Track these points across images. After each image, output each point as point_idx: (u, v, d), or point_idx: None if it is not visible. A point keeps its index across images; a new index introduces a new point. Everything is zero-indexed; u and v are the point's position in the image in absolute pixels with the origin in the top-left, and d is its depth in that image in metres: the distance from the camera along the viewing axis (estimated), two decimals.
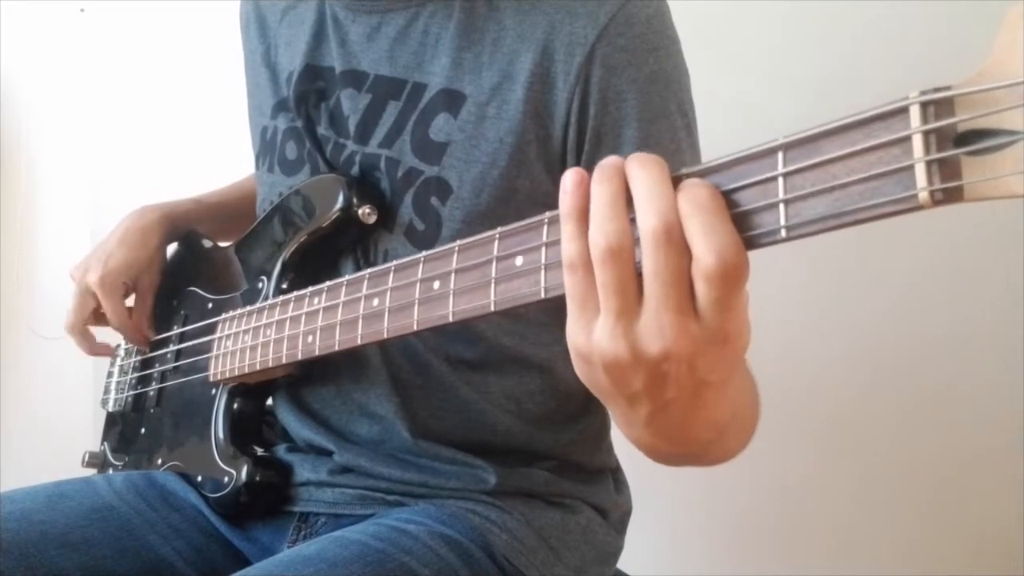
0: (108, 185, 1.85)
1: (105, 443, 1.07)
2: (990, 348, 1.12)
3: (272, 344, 0.77)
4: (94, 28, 1.87)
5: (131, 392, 1.04)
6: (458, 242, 0.56)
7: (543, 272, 0.50)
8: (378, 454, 0.79)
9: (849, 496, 1.23)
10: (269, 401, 0.89)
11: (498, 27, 0.74)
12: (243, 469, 0.81)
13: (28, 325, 1.85)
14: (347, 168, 0.81)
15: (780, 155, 0.41)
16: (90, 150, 1.89)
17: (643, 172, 0.44)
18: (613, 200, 0.44)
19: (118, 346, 1.09)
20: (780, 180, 0.41)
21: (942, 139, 0.36)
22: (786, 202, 0.40)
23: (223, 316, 0.87)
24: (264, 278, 0.85)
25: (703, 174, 0.44)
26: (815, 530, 1.26)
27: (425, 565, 0.69)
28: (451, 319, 0.56)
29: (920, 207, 0.36)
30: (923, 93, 0.36)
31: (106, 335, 1.04)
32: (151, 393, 1.00)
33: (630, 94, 0.71)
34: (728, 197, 0.43)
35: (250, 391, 0.86)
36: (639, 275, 0.44)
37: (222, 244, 1.02)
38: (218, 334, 0.87)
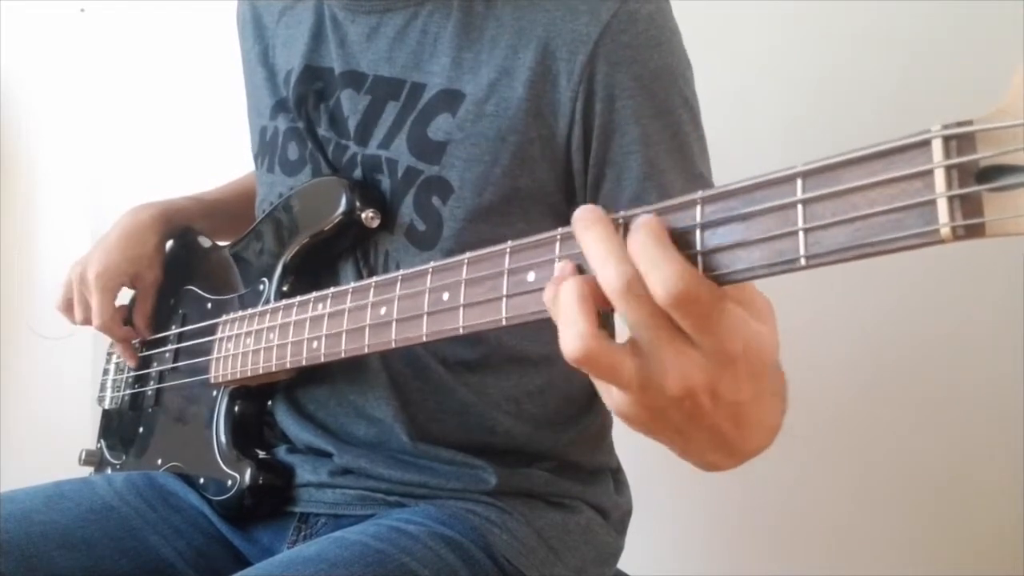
0: (108, 185, 1.85)
1: (102, 441, 1.07)
2: (990, 349, 1.12)
3: (275, 349, 0.77)
4: (94, 28, 1.87)
5: (128, 390, 1.04)
6: (468, 254, 0.55)
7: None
8: (378, 455, 0.79)
9: (849, 496, 1.23)
10: (269, 403, 0.89)
11: (497, 25, 0.74)
12: (246, 472, 0.81)
13: (28, 325, 1.85)
14: (349, 169, 0.81)
15: (799, 182, 0.41)
16: (90, 150, 1.89)
17: (586, 236, 0.45)
18: (567, 299, 0.44)
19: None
20: (799, 207, 0.40)
21: (964, 174, 0.36)
22: (806, 231, 0.40)
23: (223, 318, 0.87)
24: (265, 280, 0.85)
25: (719, 198, 0.43)
26: (815, 530, 1.26)
27: (425, 565, 0.69)
28: (461, 332, 0.55)
29: (941, 241, 0.36)
30: (945, 127, 0.36)
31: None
32: (149, 392, 0.99)
33: (635, 90, 0.71)
34: (744, 222, 0.42)
35: (251, 393, 0.86)
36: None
37: (221, 243, 1.02)
38: (219, 336, 0.86)
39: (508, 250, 0.53)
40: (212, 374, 0.86)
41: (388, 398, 0.79)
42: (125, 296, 1.04)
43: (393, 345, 0.62)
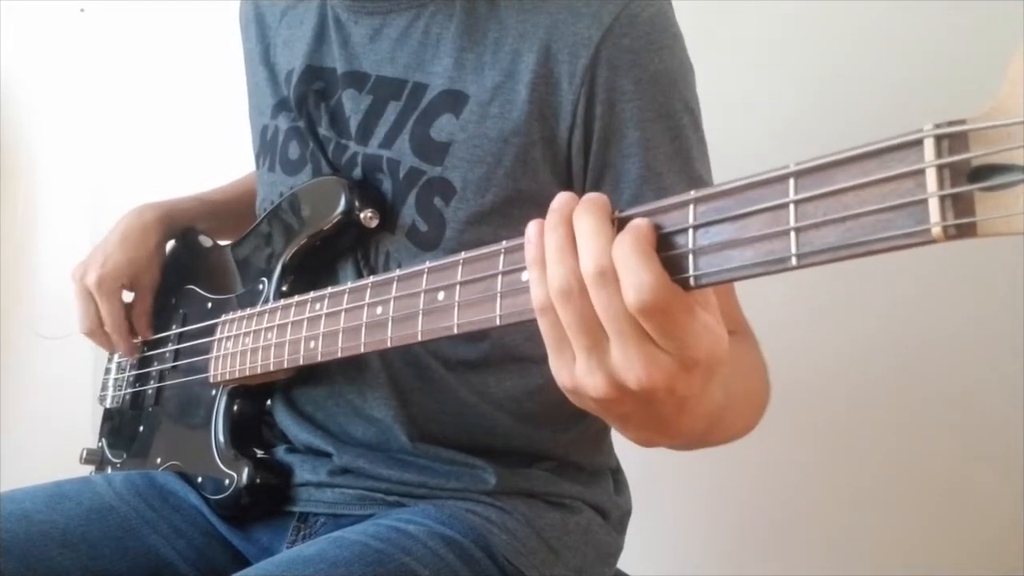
0: (108, 185, 1.85)
1: (103, 440, 1.07)
2: (990, 349, 1.12)
3: (273, 348, 0.77)
4: (94, 28, 1.87)
5: (129, 390, 1.04)
6: (463, 254, 0.56)
7: None
8: (377, 455, 0.79)
9: (849, 496, 1.23)
10: (268, 402, 0.89)
11: (499, 27, 0.74)
12: (244, 472, 0.81)
13: (28, 325, 1.85)
14: (349, 169, 0.81)
15: (791, 182, 0.41)
16: (90, 150, 1.89)
17: (580, 220, 0.47)
18: (559, 245, 0.47)
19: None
20: (791, 207, 0.41)
21: (956, 174, 0.36)
22: (797, 230, 0.40)
23: (223, 317, 0.87)
24: (264, 279, 0.85)
25: (712, 198, 0.44)
26: (815, 530, 1.26)
27: (425, 565, 0.69)
28: (456, 331, 0.56)
29: (933, 241, 0.36)
30: (937, 126, 0.36)
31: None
32: (149, 392, 1.00)
33: (636, 94, 0.71)
34: (737, 222, 0.43)
35: (250, 393, 0.86)
36: None
37: (221, 243, 1.02)
38: (218, 335, 0.86)
39: (503, 250, 0.53)
40: (211, 373, 0.86)
41: (388, 398, 0.79)
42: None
43: (389, 344, 0.62)
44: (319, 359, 0.71)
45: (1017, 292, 1.06)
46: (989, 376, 1.12)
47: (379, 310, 0.64)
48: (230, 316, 0.86)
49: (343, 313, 0.68)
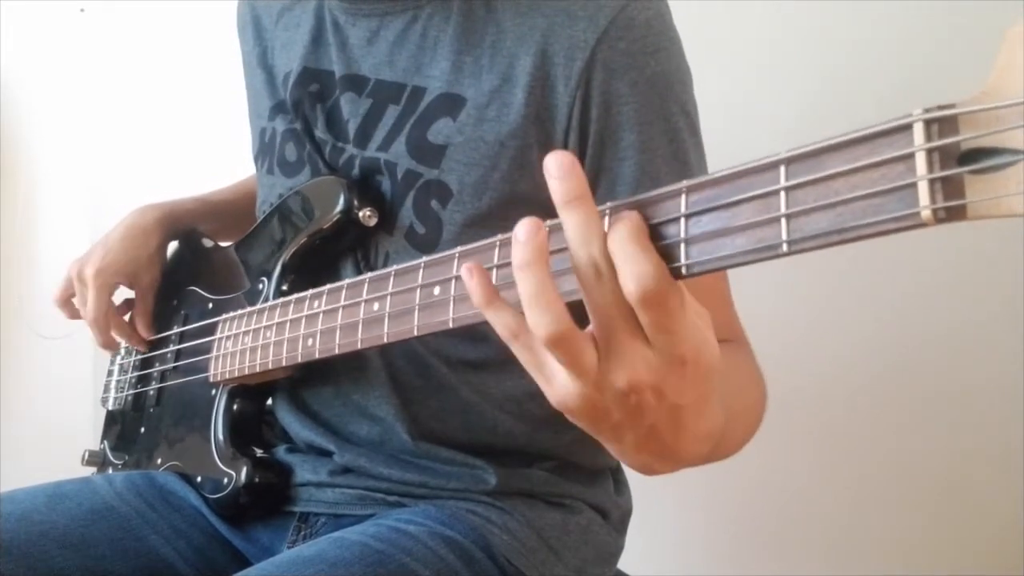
0: (108, 185, 1.85)
1: (105, 441, 1.08)
2: (990, 349, 1.12)
3: (272, 346, 0.77)
4: (94, 28, 1.87)
5: (131, 391, 1.04)
6: (458, 248, 0.56)
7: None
8: (378, 455, 0.79)
9: (849, 496, 1.23)
10: (269, 402, 0.89)
11: (497, 30, 0.74)
12: (243, 471, 0.81)
13: (28, 325, 1.85)
14: (347, 171, 0.81)
15: (782, 169, 0.41)
16: (90, 150, 1.89)
17: (569, 215, 0.45)
18: (522, 261, 0.45)
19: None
20: (782, 194, 0.41)
21: (946, 157, 0.36)
22: (788, 216, 0.40)
23: (223, 317, 0.87)
24: (264, 279, 0.85)
25: (704, 187, 0.44)
26: (815, 530, 1.26)
27: (425, 566, 0.69)
28: (451, 325, 0.56)
29: (923, 225, 0.36)
30: (927, 111, 0.36)
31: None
32: (151, 392, 1.00)
33: (631, 97, 0.71)
34: (728, 210, 0.43)
35: (250, 392, 0.86)
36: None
37: (223, 244, 1.02)
38: (218, 335, 0.87)
39: (498, 244, 0.53)
40: (211, 372, 0.86)
41: (389, 397, 0.79)
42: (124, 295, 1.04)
43: (385, 340, 0.62)
44: (317, 356, 0.71)
45: (1017, 291, 1.06)
46: (988, 376, 1.12)
47: (376, 306, 0.64)
48: (230, 315, 0.86)
49: (340, 310, 0.68)
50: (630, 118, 0.71)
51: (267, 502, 0.82)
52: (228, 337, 0.85)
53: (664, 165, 0.72)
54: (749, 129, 1.19)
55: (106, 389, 1.09)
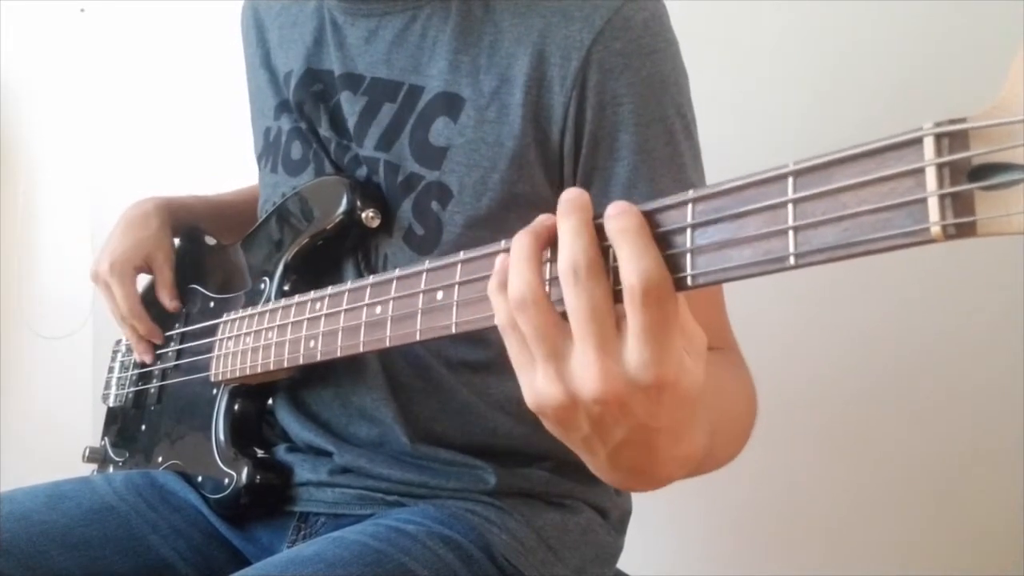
0: (108, 185, 1.85)
1: (105, 439, 1.08)
2: (990, 349, 1.12)
3: (274, 347, 0.77)
4: (94, 28, 1.87)
5: (132, 388, 1.04)
6: (462, 254, 0.56)
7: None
8: (378, 455, 0.79)
9: (849, 497, 1.23)
10: (269, 402, 0.89)
11: (495, 30, 0.74)
12: (243, 471, 0.81)
13: (28, 325, 1.85)
14: (352, 169, 0.81)
15: (790, 180, 0.40)
16: (90, 150, 1.89)
17: (563, 221, 0.46)
18: (518, 255, 0.47)
19: (118, 341, 1.09)
20: (790, 207, 0.40)
21: (956, 172, 0.35)
22: (795, 229, 0.40)
23: (225, 316, 0.87)
24: (266, 279, 0.85)
25: (711, 197, 0.44)
26: (815, 530, 1.26)
27: (424, 566, 0.69)
28: (454, 330, 0.56)
29: (932, 241, 0.35)
30: (938, 125, 0.36)
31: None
32: (152, 390, 1.00)
33: (627, 98, 0.71)
34: (735, 221, 0.42)
35: (251, 392, 0.86)
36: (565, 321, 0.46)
37: (225, 243, 1.02)
38: (220, 335, 0.87)
39: (502, 250, 0.53)
40: (212, 372, 0.86)
41: (389, 399, 0.79)
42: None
43: (388, 344, 0.62)
44: (319, 358, 0.71)
45: (1017, 292, 1.06)
46: (988, 376, 1.12)
47: (378, 310, 0.64)
48: (231, 315, 0.86)
49: (343, 313, 0.68)
50: (626, 119, 0.71)
51: (268, 502, 0.82)
52: (230, 337, 0.85)
53: (659, 166, 0.72)
54: (749, 131, 1.19)
55: (107, 386, 1.09)
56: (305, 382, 0.84)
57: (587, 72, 0.70)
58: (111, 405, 1.08)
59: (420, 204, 0.76)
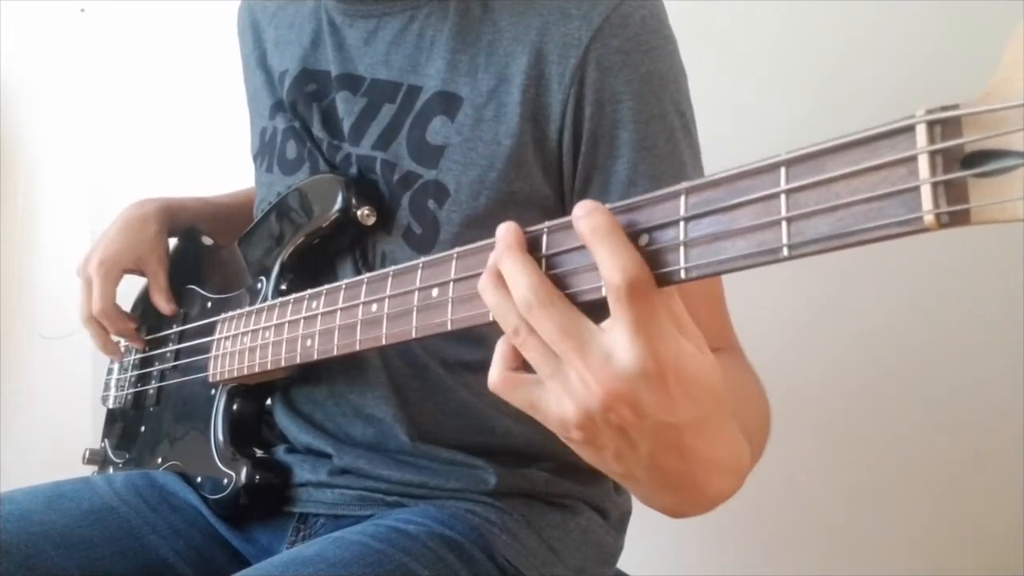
0: (108, 185, 1.85)
1: (105, 440, 1.08)
2: (991, 349, 1.12)
3: (271, 346, 0.77)
4: (94, 28, 1.87)
5: (131, 390, 1.04)
6: (456, 250, 0.56)
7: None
8: (377, 455, 0.79)
9: (850, 496, 1.23)
10: (268, 402, 0.89)
11: (493, 29, 0.74)
12: (242, 471, 0.81)
13: (28, 325, 1.85)
14: (345, 169, 0.81)
15: (783, 171, 0.40)
16: (90, 150, 1.89)
17: (501, 263, 0.49)
18: (493, 300, 0.49)
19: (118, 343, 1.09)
20: (782, 197, 0.40)
21: (949, 160, 0.35)
22: (788, 220, 0.40)
23: (222, 316, 0.87)
24: (263, 278, 0.85)
25: (704, 188, 0.43)
26: (815, 530, 1.26)
27: (425, 566, 0.68)
28: (449, 327, 0.56)
29: (925, 229, 0.35)
30: (929, 112, 0.35)
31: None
32: (151, 391, 1.00)
33: (625, 96, 0.71)
34: (729, 212, 0.42)
35: (250, 392, 0.86)
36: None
37: (221, 243, 1.02)
38: (217, 335, 0.87)
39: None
40: (210, 372, 0.86)
41: (387, 398, 0.79)
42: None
43: (384, 341, 0.62)
44: (316, 357, 0.71)
45: (1017, 292, 1.06)
46: (989, 376, 1.12)
47: (374, 307, 0.63)
48: (229, 315, 0.86)
49: (339, 311, 0.68)
50: (625, 116, 0.71)
51: (267, 503, 0.82)
52: (227, 337, 0.85)
53: (659, 163, 0.72)
54: (748, 129, 1.19)
55: (106, 387, 1.10)
56: (302, 383, 0.84)
57: (585, 70, 0.70)
58: (110, 406, 1.08)
59: (417, 202, 0.76)
